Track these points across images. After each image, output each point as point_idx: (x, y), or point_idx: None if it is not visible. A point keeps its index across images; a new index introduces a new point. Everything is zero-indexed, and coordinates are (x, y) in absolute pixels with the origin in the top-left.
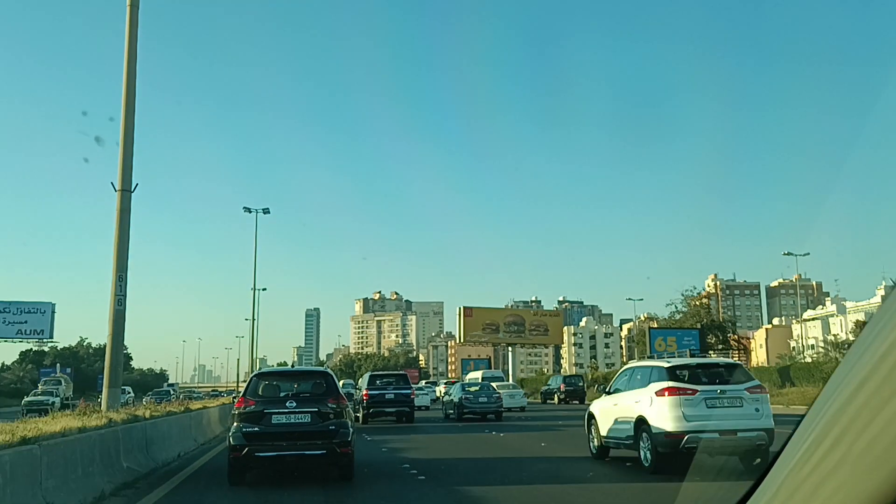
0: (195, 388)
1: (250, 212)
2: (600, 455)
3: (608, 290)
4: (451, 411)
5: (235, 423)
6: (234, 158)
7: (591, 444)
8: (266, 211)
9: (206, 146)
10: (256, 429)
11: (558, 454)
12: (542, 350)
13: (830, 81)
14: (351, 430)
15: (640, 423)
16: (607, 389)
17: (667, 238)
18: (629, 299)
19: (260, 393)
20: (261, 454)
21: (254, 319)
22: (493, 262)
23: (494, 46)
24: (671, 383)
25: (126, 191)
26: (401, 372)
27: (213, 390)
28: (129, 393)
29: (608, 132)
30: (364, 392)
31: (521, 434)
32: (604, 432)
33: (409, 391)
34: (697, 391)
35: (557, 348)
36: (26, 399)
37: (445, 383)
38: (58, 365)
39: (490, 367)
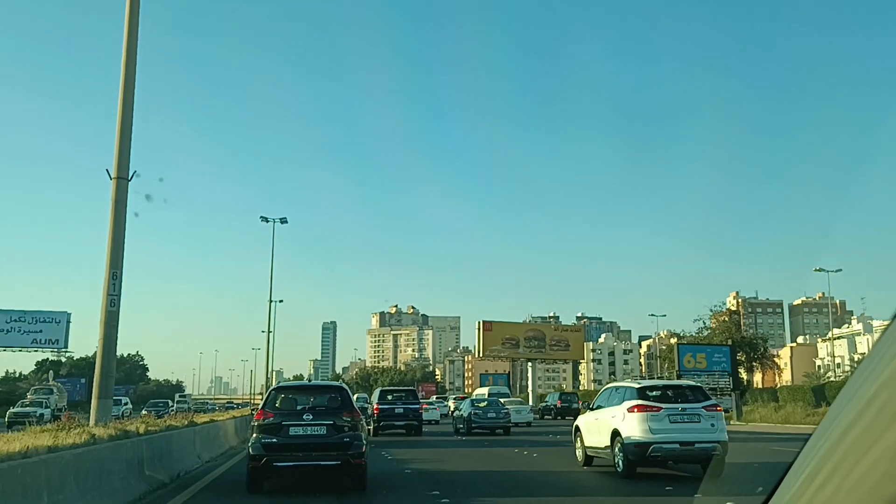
0: (210, 399)
1: (267, 221)
2: (586, 464)
3: (627, 306)
4: (461, 426)
5: (255, 434)
6: (253, 166)
7: (577, 453)
8: (283, 221)
9: (225, 152)
10: (274, 440)
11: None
12: (561, 366)
13: (853, 97)
14: (364, 442)
15: (615, 434)
16: (591, 406)
17: (686, 255)
18: (651, 315)
19: (278, 406)
20: (278, 464)
21: (270, 332)
22: (510, 278)
23: (512, 60)
24: (641, 401)
25: (122, 178)
26: (410, 388)
27: (228, 402)
28: (127, 405)
29: (627, 146)
30: (375, 406)
31: (549, 450)
32: (587, 443)
33: (417, 406)
34: (662, 408)
35: (576, 364)
36: (11, 410)
37: (454, 399)
38: (50, 373)
39: (509, 382)
